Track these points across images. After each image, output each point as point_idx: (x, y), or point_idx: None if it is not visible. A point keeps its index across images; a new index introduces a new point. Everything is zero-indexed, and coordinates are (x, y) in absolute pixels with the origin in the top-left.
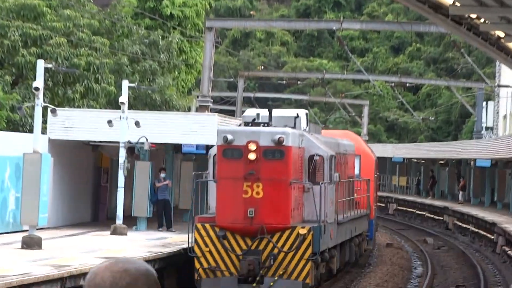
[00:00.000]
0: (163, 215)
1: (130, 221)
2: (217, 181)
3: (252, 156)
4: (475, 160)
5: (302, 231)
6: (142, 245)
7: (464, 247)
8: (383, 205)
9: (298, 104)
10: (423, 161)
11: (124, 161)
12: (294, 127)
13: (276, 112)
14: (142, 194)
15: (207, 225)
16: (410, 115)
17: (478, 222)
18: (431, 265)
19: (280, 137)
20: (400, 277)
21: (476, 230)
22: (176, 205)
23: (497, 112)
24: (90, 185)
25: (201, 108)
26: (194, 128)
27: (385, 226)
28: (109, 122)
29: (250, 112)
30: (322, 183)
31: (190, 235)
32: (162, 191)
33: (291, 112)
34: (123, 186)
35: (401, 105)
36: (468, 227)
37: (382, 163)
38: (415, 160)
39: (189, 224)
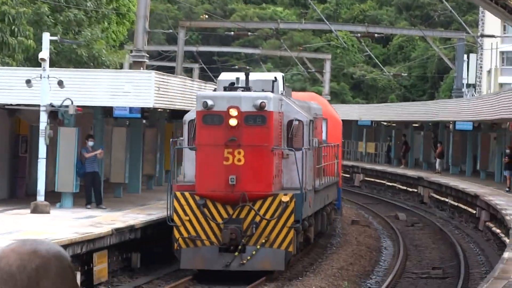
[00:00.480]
0: (91, 190)
1: (53, 197)
2: (197, 148)
3: (233, 122)
4: (454, 122)
5: (285, 199)
6: (68, 225)
7: (442, 223)
8: (348, 175)
9: (249, 59)
10: (394, 125)
11: (45, 128)
12: (272, 91)
13: (253, 76)
14: (67, 166)
15: (187, 194)
16: (379, 71)
17: (458, 194)
18: (403, 245)
19: (262, 102)
20: (367, 259)
21: (456, 204)
22: (106, 178)
23: (481, 67)
24: (6, 155)
25: (135, 65)
26: (127, 88)
27: (350, 200)
28: (28, 82)
29: (226, 76)
30: (304, 149)
31: (168, 202)
32: (90, 162)
33: (268, 76)
34: (44, 156)
35: (368, 60)
36: (447, 200)
37: (347, 127)
38: (385, 123)
39: (167, 192)
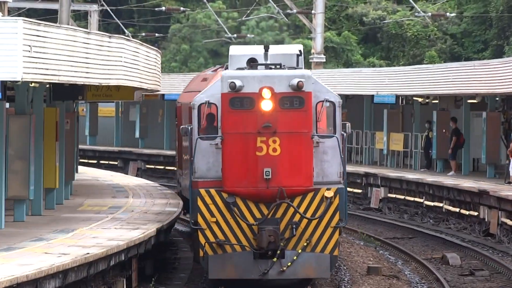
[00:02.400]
0: None
1: None
2: (224, 137)
3: (266, 105)
4: None
5: (329, 194)
6: None
7: None
8: (359, 191)
9: None
10: (436, 101)
11: None
12: (297, 67)
13: (273, 49)
14: None
15: (212, 191)
16: (408, 9)
17: None
18: None
19: (299, 81)
20: None
21: None
22: None
23: None
24: None
25: None
26: None
27: (365, 232)
28: None
29: (239, 51)
30: (345, 134)
31: (190, 201)
32: None
33: (291, 49)
34: None
35: None
36: None
37: (354, 107)
38: (421, 100)
39: (190, 191)
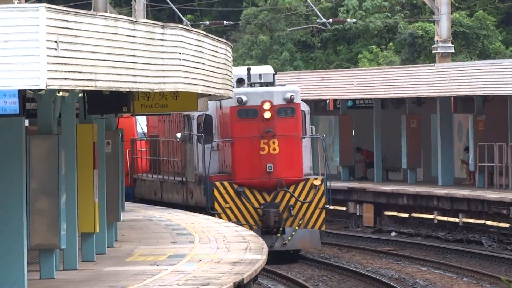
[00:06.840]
0: None
1: None
2: (233, 141)
3: (267, 115)
4: None
5: (317, 182)
6: None
7: None
8: (506, 225)
9: None
10: None
11: None
12: (273, 83)
13: (254, 70)
14: None
15: (226, 183)
16: None
17: None
18: None
19: (291, 95)
20: None
21: None
22: None
23: None
24: None
25: None
26: None
27: None
28: None
29: None
30: (323, 136)
31: (208, 191)
32: None
33: (268, 69)
34: None
35: None
36: None
37: (496, 112)
38: None
39: (207, 184)
